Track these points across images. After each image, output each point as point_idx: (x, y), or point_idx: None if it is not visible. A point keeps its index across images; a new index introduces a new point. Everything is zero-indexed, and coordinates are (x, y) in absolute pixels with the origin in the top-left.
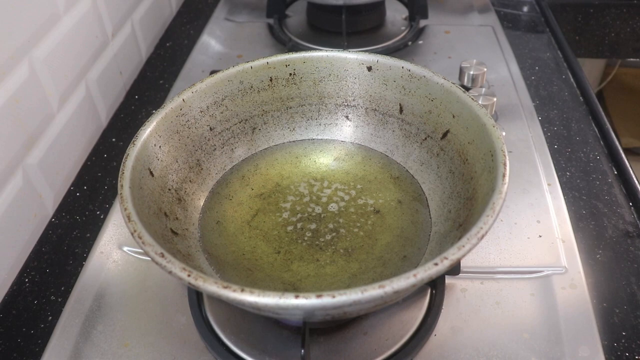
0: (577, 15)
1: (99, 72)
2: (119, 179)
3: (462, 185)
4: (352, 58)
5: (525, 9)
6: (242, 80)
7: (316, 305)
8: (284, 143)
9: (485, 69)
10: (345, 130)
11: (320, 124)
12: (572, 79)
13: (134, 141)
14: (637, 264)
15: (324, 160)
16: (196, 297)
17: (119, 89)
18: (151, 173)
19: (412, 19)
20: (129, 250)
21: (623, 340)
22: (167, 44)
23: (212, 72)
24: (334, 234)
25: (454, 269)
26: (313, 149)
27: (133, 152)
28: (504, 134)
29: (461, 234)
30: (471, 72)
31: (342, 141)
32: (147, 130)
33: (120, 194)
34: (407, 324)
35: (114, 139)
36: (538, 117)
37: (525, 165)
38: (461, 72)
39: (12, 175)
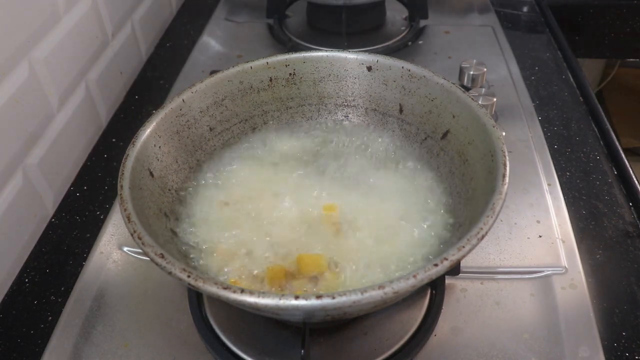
0: (577, 15)
1: (99, 72)
2: (119, 179)
3: (462, 185)
4: (352, 58)
5: (525, 9)
6: (242, 80)
7: (316, 306)
8: None
9: (485, 69)
10: None
11: (320, 124)
12: (572, 79)
13: (133, 141)
14: (637, 264)
15: None
16: (196, 297)
17: (119, 89)
18: (151, 173)
19: (412, 19)
20: (128, 251)
21: (623, 340)
22: (167, 44)
23: (212, 72)
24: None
25: (454, 269)
26: None
27: (133, 152)
28: (504, 134)
29: (461, 235)
30: (471, 72)
31: None
32: (147, 131)
33: (120, 194)
34: (407, 324)
35: (114, 139)
36: (538, 117)
37: (525, 165)
38: (461, 72)
39: (12, 175)
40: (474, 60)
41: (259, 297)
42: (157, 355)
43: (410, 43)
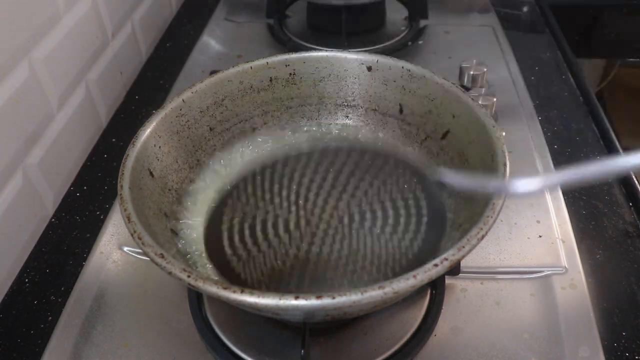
0: (577, 15)
1: (99, 72)
2: (119, 179)
3: None
4: (352, 58)
5: (525, 9)
6: (242, 80)
7: (316, 306)
8: None
9: (485, 69)
10: None
11: (320, 124)
12: (572, 79)
13: (133, 141)
14: (637, 264)
15: None
16: (196, 297)
17: (119, 89)
18: (151, 173)
19: (412, 19)
20: (129, 251)
21: (623, 340)
22: (167, 44)
23: (212, 72)
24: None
25: (454, 269)
26: None
27: (133, 152)
28: (504, 134)
29: (461, 235)
30: (471, 72)
31: None
32: (147, 131)
33: (120, 194)
34: (407, 324)
35: (114, 139)
36: (538, 117)
37: (525, 165)
38: (461, 72)
39: (12, 175)
40: (474, 60)
41: (259, 297)
42: (157, 355)
43: (410, 43)
